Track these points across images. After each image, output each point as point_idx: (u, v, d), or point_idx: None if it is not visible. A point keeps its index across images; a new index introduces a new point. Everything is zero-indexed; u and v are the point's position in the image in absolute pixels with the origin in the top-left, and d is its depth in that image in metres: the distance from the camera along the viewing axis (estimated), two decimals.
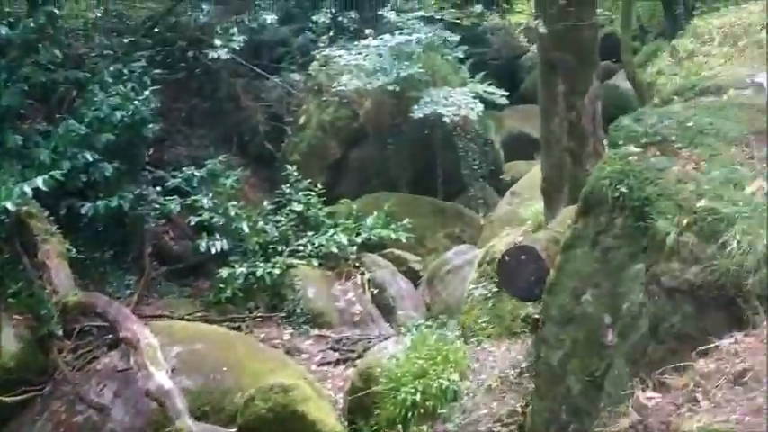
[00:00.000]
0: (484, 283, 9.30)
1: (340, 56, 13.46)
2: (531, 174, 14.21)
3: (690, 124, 4.67)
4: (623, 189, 4.08)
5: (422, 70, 13.41)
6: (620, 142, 4.58)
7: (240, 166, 14.08)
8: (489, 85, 15.06)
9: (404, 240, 12.36)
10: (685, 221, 3.72)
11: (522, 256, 5.32)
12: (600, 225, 4.20)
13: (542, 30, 7.01)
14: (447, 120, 12.80)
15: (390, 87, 12.84)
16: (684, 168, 4.12)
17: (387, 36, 13.31)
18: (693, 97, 5.38)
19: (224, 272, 11.30)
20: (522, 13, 29.47)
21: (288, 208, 12.82)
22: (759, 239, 3.39)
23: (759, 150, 4.34)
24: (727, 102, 5.10)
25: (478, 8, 9.02)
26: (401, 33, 13.33)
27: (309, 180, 13.08)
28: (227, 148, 14.83)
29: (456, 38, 15.41)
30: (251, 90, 14.95)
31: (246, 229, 11.96)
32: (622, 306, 3.89)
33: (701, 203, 3.76)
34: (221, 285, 11.43)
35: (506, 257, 5.55)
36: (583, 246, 4.31)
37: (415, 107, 12.95)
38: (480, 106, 13.15)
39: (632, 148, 4.41)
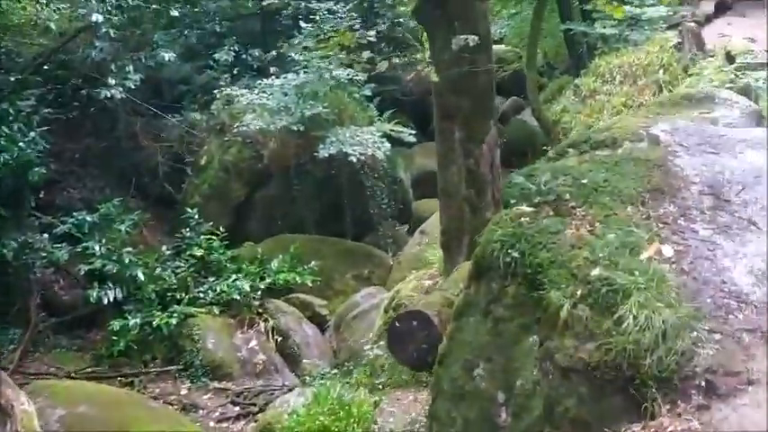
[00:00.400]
0: None
1: (242, 95, 13.03)
2: (437, 213, 14.10)
3: (584, 181, 4.50)
4: (515, 254, 3.85)
5: (327, 109, 13.10)
6: (513, 201, 4.35)
7: (139, 208, 13.45)
8: (397, 123, 14.94)
9: (310, 284, 11.97)
10: (579, 292, 3.49)
11: (414, 322, 5.03)
12: (492, 292, 3.95)
13: (434, 78, 6.80)
14: (353, 159, 12.51)
15: (295, 127, 12.47)
16: (579, 231, 3.92)
17: (290, 75, 12.98)
18: (588, 150, 5.24)
19: (116, 324, 10.61)
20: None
21: (188, 252, 12.23)
22: (656, 314, 3.18)
23: (654, 209, 4.18)
24: (622, 156, 4.97)
25: (366, 54, 8.70)
26: (306, 72, 13.01)
27: (211, 223, 12.54)
28: (126, 189, 14.19)
29: (363, 76, 15.24)
30: (150, 129, 14.34)
31: (142, 277, 11.32)
32: (516, 383, 3.63)
33: (596, 272, 3.54)
34: (114, 337, 10.74)
35: (397, 323, 5.24)
36: (475, 314, 4.05)
37: (321, 147, 12.61)
38: (387, 145, 12.94)
39: (525, 208, 4.20)
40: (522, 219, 4.13)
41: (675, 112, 6.25)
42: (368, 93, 15.06)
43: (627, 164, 4.78)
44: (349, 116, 14.22)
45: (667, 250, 3.79)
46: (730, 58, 11.23)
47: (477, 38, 5.99)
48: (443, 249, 7.21)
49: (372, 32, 11.35)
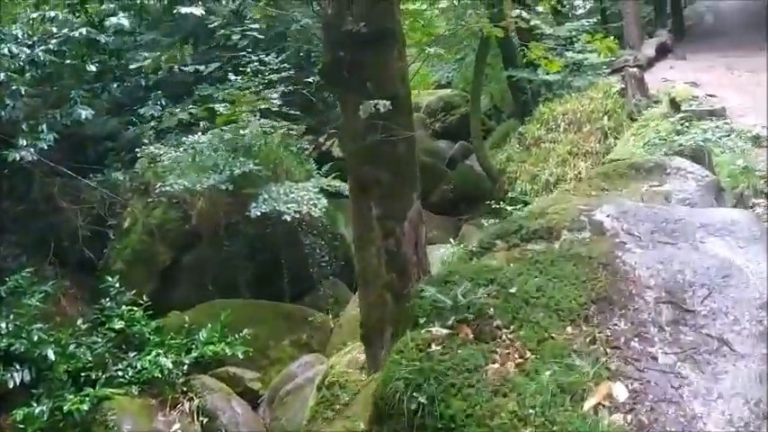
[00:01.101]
0: (323, 413, 8.17)
1: (166, 152, 12.19)
2: None
3: (513, 290, 3.74)
4: (422, 399, 3.01)
5: (260, 165, 12.33)
6: (422, 320, 3.54)
7: (57, 275, 12.50)
8: (337, 176, 14.23)
9: (240, 356, 11.03)
10: None
11: None
12: None
13: (342, 148, 6.09)
14: (287, 218, 11.72)
15: (224, 186, 11.65)
16: (504, 366, 3.13)
17: (217, 130, 12.19)
18: (519, 243, 4.48)
19: (20, 413, 9.53)
20: None
21: (106, 326, 11.21)
22: None
23: (601, 328, 3.42)
24: (560, 252, 4.19)
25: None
26: (237, 126, 12.25)
27: (134, 291, 11.55)
28: (43, 254, 13.15)
29: (302, 128, 14.58)
30: (69, 191, 13.36)
31: (53, 356, 10.25)
32: None
33: None
34: (20, 426, 9.63)
35: None
36: None
37: (253, 205, 11.82)
38: (324, 202, 12.17)
39: (437, 330, 3.37)
40: (433, 346, 3.28)
41: (622, 186, 5.50)
42: (305, 145, 14.36)
43: (566, 263, 3.98)
44: (285, 171, 13.49)
45: (620, 391, 3.00)
46: (675, 104, 10.81)
47: (388, 103, 5.26)
48: (364, 343, 6.35)
49: (276, 95, 10.70)
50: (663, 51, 16.99)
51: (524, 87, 15.72)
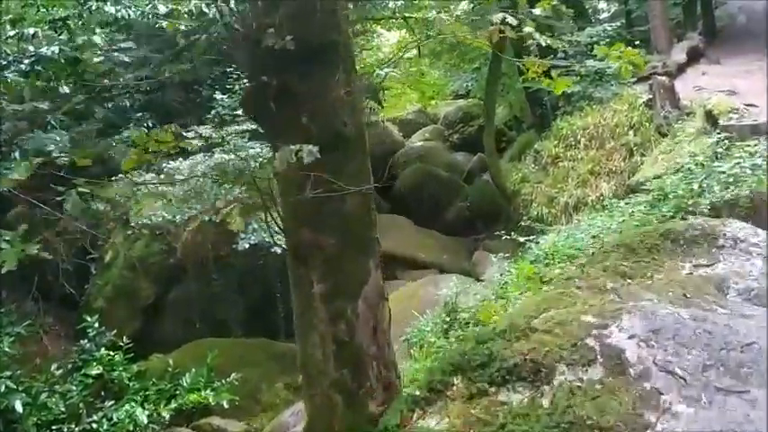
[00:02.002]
0: None
1: (147, 180, 11.17)
2: (400, 293, 12.25)
3: None
4: None
5: (249, 193, 11.26)
6: None
7: (40, 311, 11.57)
8: None
9: (226, 405, 9.95)
10: None
11: None
12: None
13: (271, 206, 4.92)
14: (278, 250, 10.62)
15: (207, 216, 10.61)
16: None
17: (199, 156, 11.15)
18: (487, 389, 3.15)
19: None
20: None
21: (83, 371, 10.20)
22: None
23: None
24: (550, 417, 2.80)
25: None
26: (222, 150, 11.19)
27: (115, 331, 10.53)
28: (26, 290, 12.23)
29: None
30: (53, 221, 12.40)
31: (20, 408, 9.25)
32: None
33: None
34: None
35: None
36: None
37: (241, 237, 10.78)
38: None
39: None
40: None
41: (653, 270, 4.11)
42: None
43: None
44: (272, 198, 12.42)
45: None
46: (711, 118, 9.52)
47: (316, 149, 4.00)
48: None
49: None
50: (694, 56, 15.61)
51: (541, 99, 14.49)
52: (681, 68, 14.54)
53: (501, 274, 9.01)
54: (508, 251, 13.12)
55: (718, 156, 6.86)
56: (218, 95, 11.68)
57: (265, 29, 4.16)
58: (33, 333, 10.97)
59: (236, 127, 11.15)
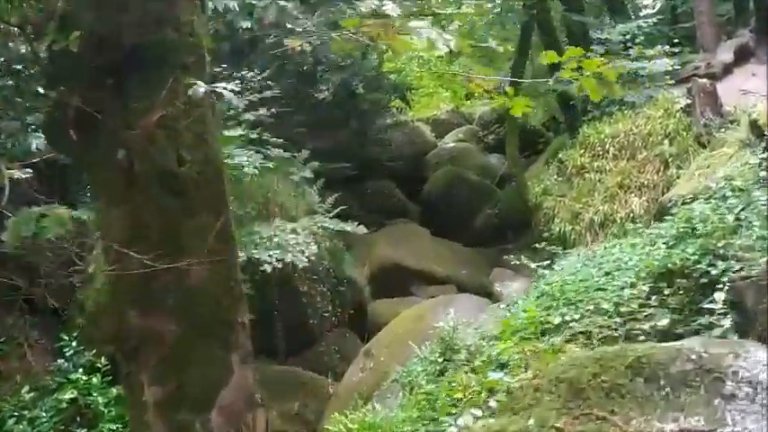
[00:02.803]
0: None
1: None
2: (392, 325, 11.22)
3: None
4: None
5: (245, 203, 10.39)
6: None
7: (26, 325, 10.76)
8: (345, 207, 12.20)
9: None
10: None
11: None
12: None
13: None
14: (267, 268, 9.71)
15: None
16: None
17: None
18: None
19: None
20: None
21: (55, 395, 9.41)
22: None
23: None
24: None
25: None
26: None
27: (95, 351, 9.71)
28: (11, 303, 11.49)
29: (305, 153, 12.57)
30: None
31: None
32: None
33: None
34: None
35: None
36: None
37: None
38: (313, 248, 10.09)
39: None
40: None
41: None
42: (308, 174, 12.31)
43: None
44: (279, 207, 11.50)
45: None
46: (757, 129, 8.26)
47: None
48: None
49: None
50: (743, 55, 14.20)
51: (570, 101, 13.27)
52: (727, 69, 13.18)
53: (507, 305, 7.94)
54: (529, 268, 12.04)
55: (762, 179, 5.66)
56: None
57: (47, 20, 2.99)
58: (15, 348, 10.27)
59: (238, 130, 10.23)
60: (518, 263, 11.03)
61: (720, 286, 4.34)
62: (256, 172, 10.77)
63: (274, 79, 11.14)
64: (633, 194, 10.23)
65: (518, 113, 4.00)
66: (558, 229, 10.59)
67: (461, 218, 18.52)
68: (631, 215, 10.07)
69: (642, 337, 4.65)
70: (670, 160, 10.18)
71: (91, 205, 11.14)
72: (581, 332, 5.05)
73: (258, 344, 11.07)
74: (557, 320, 5.24)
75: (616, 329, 4.91)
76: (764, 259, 4.08)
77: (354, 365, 10.72)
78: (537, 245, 11.35)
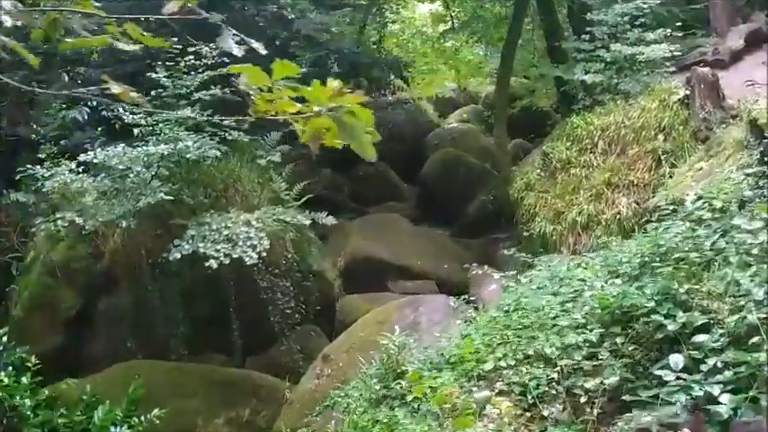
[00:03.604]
0: None
1: (71, 170, 9.47)
2: (354, 327, 10.36)
3: None
4: None
5: (194, 188, 9.51)
6: None
7: None
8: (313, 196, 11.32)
9: None
10: None
11: None
12: None
13: None
14: (213, 264, 8.86)
15: (125, 222, 8.86)
16: None
17: (119, 148, 9.29)
18: None
19: None
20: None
21: None
22: None
23: None
24: None
25: None
26: (160, 140, 9.37)
27: (29, 347, 8.92)
28: None
29: (275, 135, 11.65)
30: None
31: None
32: None
33: None
34: None
35: None
36: None
37: (174, 245, 9.04)
38: (266, 243, 9.20)
39: None
40: None
41: None
42: (276, 158, 11.39)
43: None
44: (240, 195, 10.62)
45: None
46: (756, 128, 7.24)
47: None
48: None
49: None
50: (755, 41, 13.01)
51: (564, 84, 12.21)
52: (736, 56, 12.04)
53: (465, 321, 7.04)
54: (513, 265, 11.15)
55: (748, 198, 4.62)
56: (158, 72, 9.79)
57: None
58: None
59: (178, 113, 9.30)
60: (506, 253, 10.17)
61: (679, 347, 3.43)
62: (206, 156, 9.90)
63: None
64: (621, 194, 9.26)
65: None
66: (538, 228, 9.64)
67: (456, 204, 17.61)
68: (618, 217, 9.12)
69: (584, 398, 3.76)
70: (663, 157, 9.18)
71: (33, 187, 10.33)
72: (516, 383, 4.16)
73: (213, 343, 10.38)
74: (489, 365, 4.34)
75: (558, 383, 4.01)
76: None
77: (311, 370, 9.89)
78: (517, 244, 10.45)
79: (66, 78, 10.39)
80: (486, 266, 11.74)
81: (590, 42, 10.98)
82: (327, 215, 11.47)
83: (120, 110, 9.06)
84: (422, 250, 13.17)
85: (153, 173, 9.31)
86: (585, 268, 5.40)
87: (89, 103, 10.62)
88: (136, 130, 9.87)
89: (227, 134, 9.98)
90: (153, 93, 9.58)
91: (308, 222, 10.04)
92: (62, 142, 9.90)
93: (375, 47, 22.53)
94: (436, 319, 10.00)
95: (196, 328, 10.32)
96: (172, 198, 9.34)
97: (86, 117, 10.54)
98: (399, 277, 12.72)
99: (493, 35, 18.94)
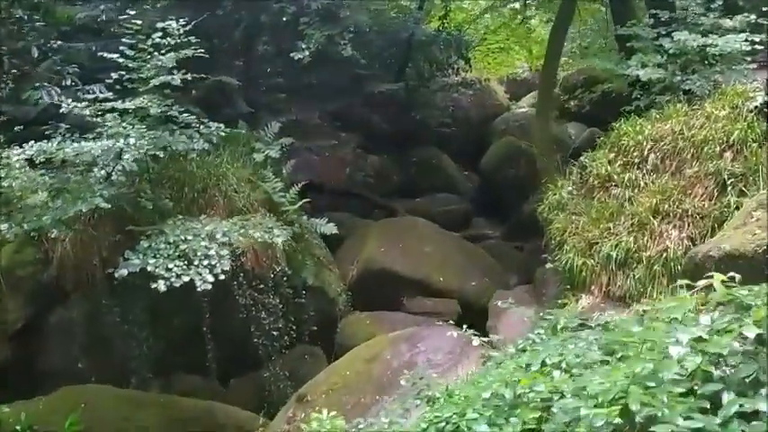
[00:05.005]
0: None
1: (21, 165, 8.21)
2: (339, 363, 8.82)
3: None
4: None
5: (146, 196, 8.07)
6: None
7: None
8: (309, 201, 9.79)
9: None
10: None
11: None
12: None
13: None
14: (161, 285, 7.45)
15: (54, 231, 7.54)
16: None
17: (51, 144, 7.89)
18: None
19: None
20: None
21: None
22: None
23: None
24: None
25: None
26: (109, 136, 7.93)
27: None
28: None
29: (275, 125, 10.15)
30: None
31: None
32: None
33: None
34: None
35: None
36: None
37: (123, 259, 7.69)
38: (225, 264, 7.71)
39: None
40: None
41: None
42: (273, 153, 9.88)
43: None
44: (224, 197, 9.17)
45: None
46: None
47: None
48: None
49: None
50: None
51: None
52: None
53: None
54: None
55: None
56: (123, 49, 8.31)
57: None
58: None
59: (140, 100, 7.86)
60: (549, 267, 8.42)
61: None
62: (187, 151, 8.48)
63: (225, 33, 8.65)
64: (671, 225, 7.27)
65: None
66: (565, 260, 7.78)
67: (513, 200, 15.80)
68: (665, 255, 7.16)
69: None
70: (730, 182, 7.12)
71: None
72: None
73: (187, 363, 9.03)
74: None
75: None
76: None
77: (283, 412, 8.39)
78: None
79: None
80: (509, 298, 9.96)
81: (653, 28, 8.92)
82: (328, 222, 9.95)
83: (54, 95, 7.71)
84: (447, 262, 11.42)
85: (108, 171, 7.93)
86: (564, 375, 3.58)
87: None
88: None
89: (200, 127, 8.48)
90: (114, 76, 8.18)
91: (280, 240, 8.45)
92: (16, 129, 8.60)
93: (440, 22, 20.67)
94: (437, 360, 8.31)
95: (166, 348, 8.99)
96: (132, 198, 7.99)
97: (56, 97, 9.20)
98: (418, 293, 11.04)
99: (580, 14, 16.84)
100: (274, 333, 9.45)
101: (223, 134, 8.98)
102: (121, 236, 8.37)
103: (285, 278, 9.49)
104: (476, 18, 23.66)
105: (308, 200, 9.96)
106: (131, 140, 7.43)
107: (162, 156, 8.28)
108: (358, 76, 11.89)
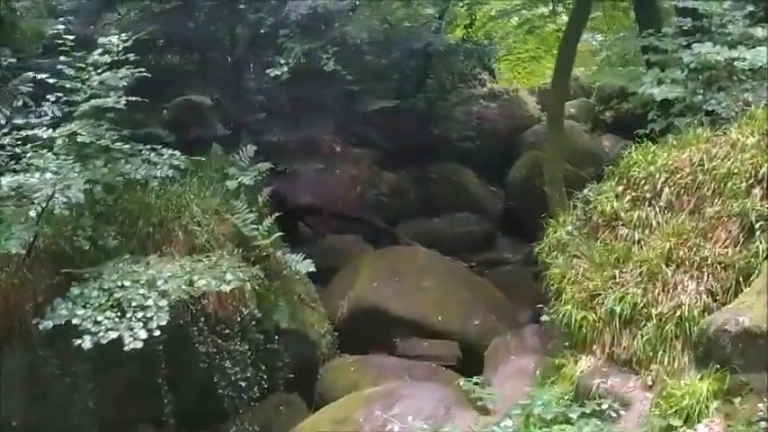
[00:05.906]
0: None
1: None
2: (303, 426, 7.76)
3: None
4: None
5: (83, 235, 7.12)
6: None
7: None
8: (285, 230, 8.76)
9: None
10: None
11: None
12: None
13: None
14: (87, 341, 6.48)
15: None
16: None
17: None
18: None
19: None
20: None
21: None
22: None
23: None
24: None
25: None
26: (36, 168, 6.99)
27: None
28: None
29: (250, 148, 9.16)
30: None
31: None
32: None
33: None
34: None
35: None
36: None
37: (53, 305, 6.76)
38: (163, 318, 6.70)
39: None
40: None
41: None
42: (247, 181, 8.88)
43: None
44: (184, 231, 8.19)
45: None
46: None
47: None
48: None
49: None
50: None
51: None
52: None
53: None
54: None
55: None
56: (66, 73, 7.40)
57: None
58: None
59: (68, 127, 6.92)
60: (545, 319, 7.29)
61: None
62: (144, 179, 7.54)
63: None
64: (687, 276, 6.04)
65: None
66: (562, 313, 6.58)
67: (534, 222, 14.59)
68: (679, 312, 5.92)
69: None
70: (758, 225, 5.85)
71: None
72: None
73: (143, 414, 8.02)
74: None
75: None
76: None
77: None
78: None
79: None
80: (511, 343, 8.78)
81: (673, 38, 7.66)
82: (305, 258, 8.89)
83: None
84: (449, 298, 10.24)
85: (41, 207, 6.99)
86: None
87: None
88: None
89: (152, 155, 7.51)
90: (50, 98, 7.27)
91: (229, 287, 7.39)
92: None
93: (465, 30, 19.60)
94: (414, 427, 7.18)
95: (115, 401, 8.03)
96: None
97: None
98: (413, 334, 9.92)
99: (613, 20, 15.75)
100: (242, 384, 8.43)
101: (184, 161, 8.03)
102: (60, 277, 7.45)
103: (254, 322, 8.46)
104: (503, 25, 22.53)
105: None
106: (48, 175, 6.47)
107: (119, 185, 7.39)
108: (347, 93, 10.87)
